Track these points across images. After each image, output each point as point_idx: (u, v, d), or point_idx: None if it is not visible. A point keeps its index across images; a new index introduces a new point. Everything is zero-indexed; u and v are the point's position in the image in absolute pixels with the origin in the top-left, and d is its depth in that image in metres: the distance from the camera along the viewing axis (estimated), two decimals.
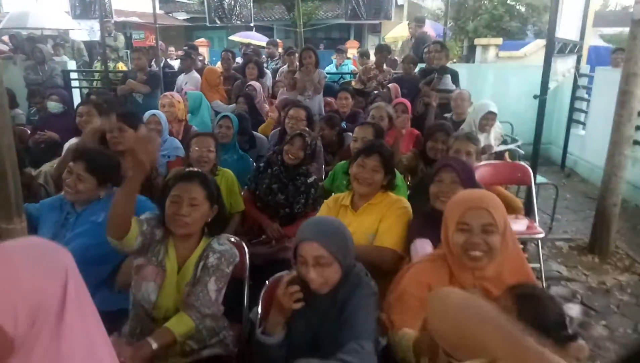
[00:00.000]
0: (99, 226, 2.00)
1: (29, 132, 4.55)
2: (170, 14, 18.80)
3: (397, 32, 14.00)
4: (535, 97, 3.72)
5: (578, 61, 5.98)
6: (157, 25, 6.70)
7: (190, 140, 2.80)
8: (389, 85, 5.28)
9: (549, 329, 1.29)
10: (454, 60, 10.72)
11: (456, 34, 14.59)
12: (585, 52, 7.01)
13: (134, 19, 15.19)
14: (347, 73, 7.09)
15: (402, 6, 17.03)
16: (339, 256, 1.50)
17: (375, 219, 2.12)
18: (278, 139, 3.68)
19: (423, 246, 1.90)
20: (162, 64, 6.91)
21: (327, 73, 7.28)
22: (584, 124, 6.51)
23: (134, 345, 1.48)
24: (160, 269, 1.74)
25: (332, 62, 7.98)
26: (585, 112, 6.48)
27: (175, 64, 8.25)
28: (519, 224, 3.23)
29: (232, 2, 6.42)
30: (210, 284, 1.70)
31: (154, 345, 1.48)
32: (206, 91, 5.18)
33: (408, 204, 2.20)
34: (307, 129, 3.02)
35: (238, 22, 6.29)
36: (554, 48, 3.67)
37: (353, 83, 6.05)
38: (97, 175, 2.02)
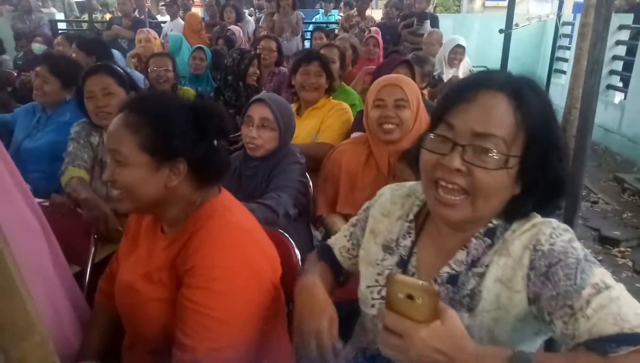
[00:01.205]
0: (65, 124, 2.18)
1: (15, 74, 4.70)
2: None
3: None
4: (500, 31, 3.81)
5: (560, 8, 6.02)
6: None
7: (147, 61, 2.91)
8: (372, 28, 5.36)
9: None
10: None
11: None
12: (570, 2, 7.02)
13: None
14: (333, 22, 7.14)
15: None
16: (282, 126, 1.69)
17: (318, 121, 2.31)
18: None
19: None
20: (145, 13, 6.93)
21: (314, 22, 7.34)
22: (565, 72, 6.59)
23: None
24: (102, 164, 1.87)
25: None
26: (567, 60, 6.55)
27: (165, 18, 8.27)
28: None
29: None
30: None
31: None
32: (188, 37, 5.25)
33: (348, 106, 2.37)
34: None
35: None
36: None
37: (336, 31, 6.13)
38: (60, 77, 2.19)
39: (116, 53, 3.58)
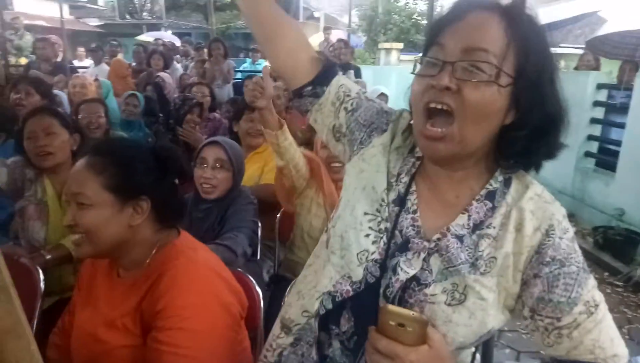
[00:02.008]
0: None
1: None
2: (81, 20, 18.01)
3: (313, 41, 14.60)
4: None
5: None
6: (66, 28, 6.51)
7: (77, 107, 2.77)
8: None
9: None
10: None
11: (369, 45, 15.58)
12: None
13: (41, 22, 14.40)
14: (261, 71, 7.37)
15: (318, 18, 17.82)
16: (235, 167, 1.75)
17: (260, 165, 2.39)
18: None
19: None
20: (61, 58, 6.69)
21: (243, 70, 7.52)
22: None
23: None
24: (42, 206, 1.79)
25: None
26: None
27: (84, 64, 8.04)
28: None
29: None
30: None
31: (48, 256, 1.59)
32: (114, 82, 5.15)
33: None
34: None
35: (149, 17, 6.32)
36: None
37: None
38: None
39: (62, 95, 3.45)
